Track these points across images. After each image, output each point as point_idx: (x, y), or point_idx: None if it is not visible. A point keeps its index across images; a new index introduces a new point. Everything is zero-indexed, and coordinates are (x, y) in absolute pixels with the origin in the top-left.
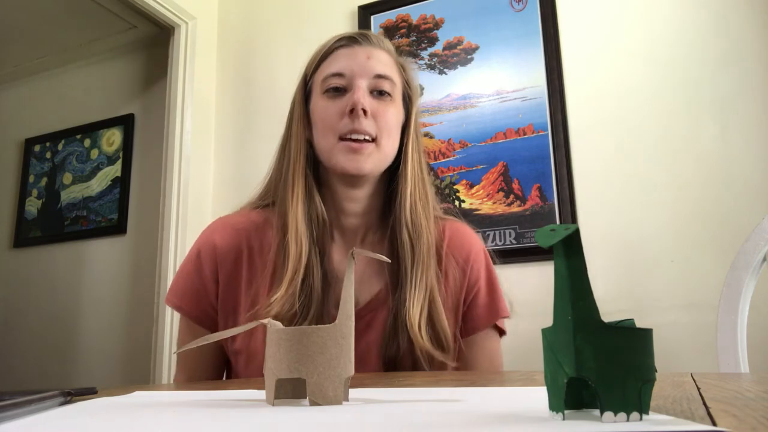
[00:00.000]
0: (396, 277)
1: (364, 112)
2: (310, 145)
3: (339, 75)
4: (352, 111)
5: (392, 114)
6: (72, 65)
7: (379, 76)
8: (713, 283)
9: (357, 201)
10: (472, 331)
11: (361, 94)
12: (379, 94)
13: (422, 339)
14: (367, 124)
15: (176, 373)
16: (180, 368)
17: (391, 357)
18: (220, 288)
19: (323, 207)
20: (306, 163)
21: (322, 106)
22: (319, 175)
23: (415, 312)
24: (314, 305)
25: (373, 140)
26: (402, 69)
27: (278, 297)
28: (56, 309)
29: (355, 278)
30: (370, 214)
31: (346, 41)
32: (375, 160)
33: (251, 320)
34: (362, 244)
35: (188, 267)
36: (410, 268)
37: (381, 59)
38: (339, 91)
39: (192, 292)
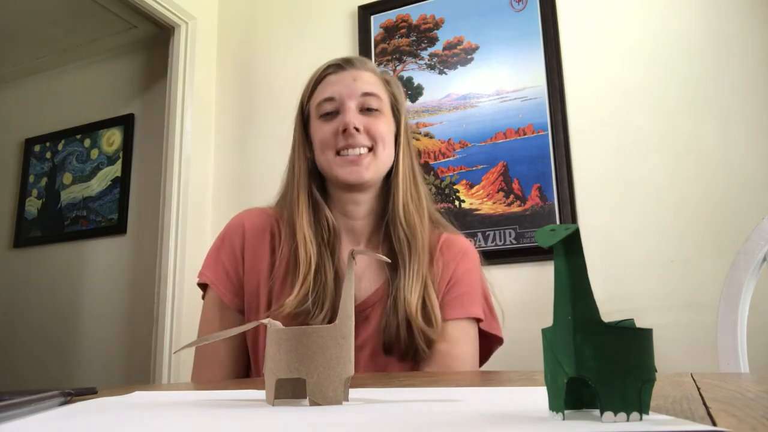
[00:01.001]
0: (394, 270)
1: (357, 129)
2: (313, 163)
3: (330, 99)
4: (345, 131)
5: (383, 125)
6: (72, 65)
7: (366, 94)
8: (713, 283)
9: (360, 204)
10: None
11: (351, 115)
12: (368, 110)
13: (418, 318)
14: (360, 138)
15: (194, 367)
16: (198, 361)
17: (390, 339)
18: (245, 267)
19: (331, 215)
20: (309, 180)
21: (318, 129)
22: (325, 186)
23: (412, 298)
24: (328, 300)
25: (370, 150)
26: (387, 84)
27: (291, 300)
28: (56, 309)
29: (359, 272)
30: (373, 215)
31: (333, 68)
32: (373, 169)
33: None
34: (367, 243)
35: (219, 247)
36: (408, 261)
37: (366, 79)
38: (332, 114)
39: (223, 271)
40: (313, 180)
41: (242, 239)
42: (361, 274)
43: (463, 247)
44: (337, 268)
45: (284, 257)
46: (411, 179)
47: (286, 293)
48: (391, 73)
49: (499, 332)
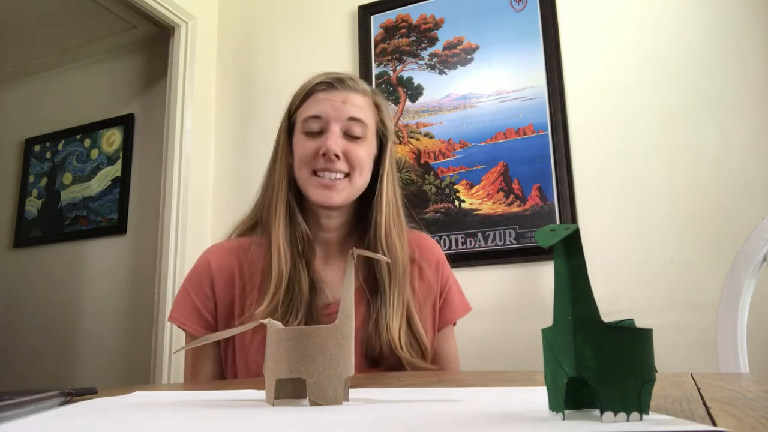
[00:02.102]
0: (374, 292)
1: (337, 156)
2: (293, 169)
3: (316, 117)
4: (325, 154)
5: (363, 152)
6: (72, 65)
7: (352, 119)
8: (713, 283)
9: (333, 218)
10: (447, 322)
11: (334, 140)
12: (351, 135)
13: (401, 348)
14: (338, 165)
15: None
16: (187, 376)
17: (374, 358)
18: (217, 303)
19: (306, 225)
20: (288, 188)
21: (300, 143)
22: (301, 194)
23: (394, 326)
24: (303, 307)
25: (346, 176)
26: (377, 108)
27: (261, 310)
28: (56, 309)
29: (331, 280)
30: (345, 226)
31: (325, 86)
32: (346, 194)
33: (243, 341)
34: (340, 254)
35: (187, 287)
36: (388, 288)
37: (356, 103)
38: (316, 132)
39: (193, 309)
40: (291, 188)
41: (210, 277)
42: (339, 279)
43: (436, 249)
44: (312, 276)
45: (257, 277)
46: (394, 206)
47: (260, 302)
48: (391, 73)
49: (469, 307)
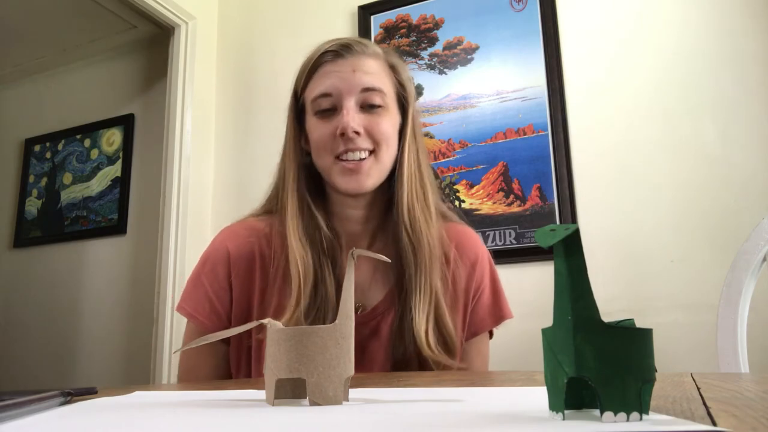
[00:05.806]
0: (401, 282)
1: (357, 132)
2: (308, 155)
3: (327, 95)
4: (344, 134)
5: (386, 124)
6: (72, 65)
7: (367, 89)
8: (713, 283)
9: (358, 208)
10: (474, 333)
11: (351, 117)
12: (369, 107)
13: (428, 346)
14: (360, 142)
15: (178, 377)
16: (181, 372)
17: (398, 360)
18: (233, 295)
19: (324, 219)
20: (300, 180)
21: (314, 127)
22: (321, 183)
23: (420, 319)
24: (330, 313)
25: (372, 152)
26: (393, 70)
27: (285, 320)
28: (56, 309)
29: (359, 281)
30: (374, 219)
31: (331, 56)
32: (375, 175)
33: (263, 342)
34: (369, 249)
35: (201, 273)
36: (414, 273)
37: (368, 69)
38: (329, 111)
39: (206, 300)
40: (309, 179)
41: (227, 266)
42: (368, 281)
43: (477, 247)
44: (339, 277)
45: (280, 271)
46: (417, 177)
47: (280, 306)
48: None
49: (510, 315)
